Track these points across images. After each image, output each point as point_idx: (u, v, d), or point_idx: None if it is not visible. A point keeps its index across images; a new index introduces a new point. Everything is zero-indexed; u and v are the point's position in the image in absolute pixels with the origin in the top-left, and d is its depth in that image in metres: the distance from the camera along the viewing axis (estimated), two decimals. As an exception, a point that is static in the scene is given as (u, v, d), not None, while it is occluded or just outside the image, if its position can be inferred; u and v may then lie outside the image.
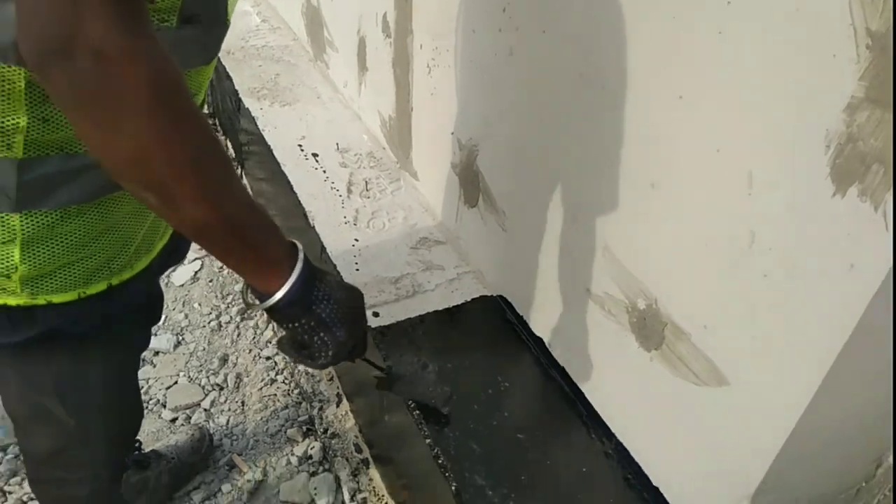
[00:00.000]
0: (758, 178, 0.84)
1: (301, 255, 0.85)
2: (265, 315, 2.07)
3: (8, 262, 0.85)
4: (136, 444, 1.65)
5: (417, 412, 1.24)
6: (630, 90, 1.01)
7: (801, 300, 0.82)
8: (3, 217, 0.82)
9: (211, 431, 1.79)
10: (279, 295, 0.83)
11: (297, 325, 0.88)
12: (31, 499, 1.60)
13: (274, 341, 2.04)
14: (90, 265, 0.92)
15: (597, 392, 1.26)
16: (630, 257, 1.08)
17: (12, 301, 0.88)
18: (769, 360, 0.89)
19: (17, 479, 1.64)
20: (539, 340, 1.40)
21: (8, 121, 0.76)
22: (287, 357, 0.92)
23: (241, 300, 2.19)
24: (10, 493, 1.61)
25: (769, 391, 0.90)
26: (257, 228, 0.80)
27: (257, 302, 0.86)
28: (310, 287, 0.86)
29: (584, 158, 1.14)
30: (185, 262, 2.32)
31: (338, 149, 2.05)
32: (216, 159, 0.73)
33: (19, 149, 0.78)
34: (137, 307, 1.07)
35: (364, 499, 1.65)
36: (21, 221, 0.83)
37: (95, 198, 0.88)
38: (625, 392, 1.18)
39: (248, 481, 1.67)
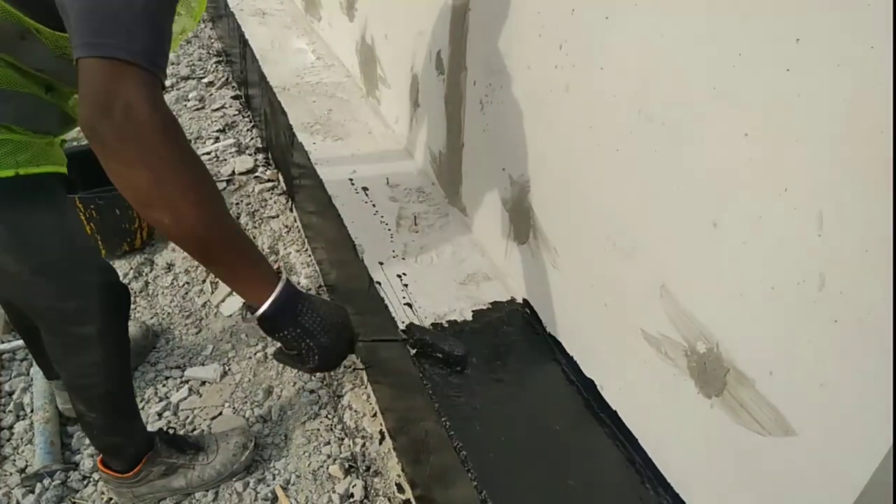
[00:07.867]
0: (828, 218, 0.81)
1: (284, 276, 1.04)
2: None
3: None
4: None
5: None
6: (692, 128, 0.99)
7: (875, 348, 0.78)
8: None
9: (155, 331, 2.03)
10: (266, 304, 1.01)
11: (285, 333, 1.05)
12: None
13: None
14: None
15: (651, 438, 1.22)
16: (690, 298, 1.05)
17: None
18: (839, 409, 0.84)
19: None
20: (590, 382, 1.36)
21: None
22: (281, 363, 1.12)
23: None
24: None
25: (839, 443, 0.85)
26: (245, 248, 0.99)
27: (250, 314, 1.03)
28: (294, 301, 1.05)
29: (642, 195, 1.12)
30: (234, 293, 2.35)
31: (388, 183, 2.07)
32: (210, 187, 0.93)
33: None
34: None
35: (405, 540, 1.61)
36: None
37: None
38: (682, 440, 1.13)
39: (289, 516, 1.65)
